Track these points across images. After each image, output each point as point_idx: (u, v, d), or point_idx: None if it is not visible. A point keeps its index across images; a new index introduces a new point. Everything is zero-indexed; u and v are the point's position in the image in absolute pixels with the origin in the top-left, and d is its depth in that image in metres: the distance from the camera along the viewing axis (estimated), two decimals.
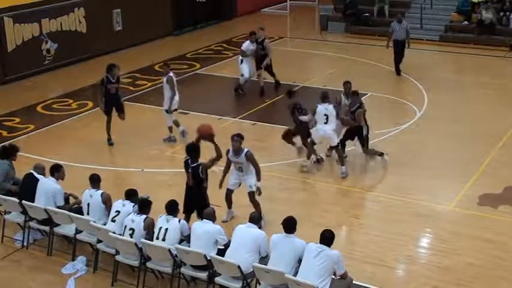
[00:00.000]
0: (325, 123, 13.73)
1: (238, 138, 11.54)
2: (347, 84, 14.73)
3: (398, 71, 20.86)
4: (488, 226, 11.87)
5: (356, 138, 14.06)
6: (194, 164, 10.96)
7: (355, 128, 13.88)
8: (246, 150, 11.49)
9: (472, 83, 20.22)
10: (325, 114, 13.71)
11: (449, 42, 24.25)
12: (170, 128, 15.85)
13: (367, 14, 26.68)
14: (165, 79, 15.60)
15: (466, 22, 25.06)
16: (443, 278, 10.34)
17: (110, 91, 15.32)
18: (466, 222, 12.08)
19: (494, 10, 24.47)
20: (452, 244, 11.27)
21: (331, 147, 14.15)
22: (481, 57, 22.82)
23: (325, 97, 13.87)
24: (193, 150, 11.10)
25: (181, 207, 10.44)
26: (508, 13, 24.60)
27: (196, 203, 10.99)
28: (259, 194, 11.60)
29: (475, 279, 10.29)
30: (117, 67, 15.52)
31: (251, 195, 11.62)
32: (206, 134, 11.53)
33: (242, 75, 19.12)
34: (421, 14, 25.32)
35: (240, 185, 11.82)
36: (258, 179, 11.52)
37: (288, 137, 14.61)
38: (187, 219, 11.01)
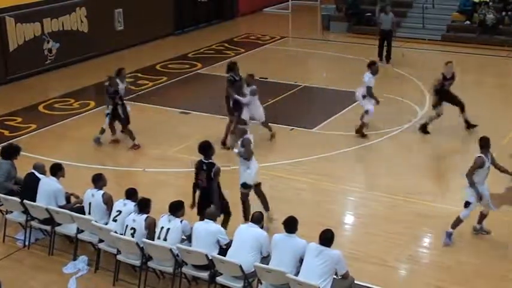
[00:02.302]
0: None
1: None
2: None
3: (381, 57, 21.94)
4: (490, 226, 11.84)
5: None
6: (208, 161, 10.84)
7: None
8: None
9: (474, 82, 20.17)
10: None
11: (451, 42, 24.20)
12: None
13: (369, 14, 26.65)
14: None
15: (468, 22, 25.04)
16: (445, 278, 10.34)
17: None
18: (469, 222, 12.04)
19: (495, 10, 24.44)
20: (454, 244, 11.24)
21: (262, 123, 15.44)
22: (483, 57, 22.79)
23: (250, 80, 15.13)
24: (207, 148, 10.98)
25: (187, 208, 10.41)
26: (510, 13, 24.56)
27: (209, 202, 10.66)
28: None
29: (477, 279, 10.28)
30: (116, 77, 15.37)
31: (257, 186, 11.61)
32: None
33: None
34: (423, 14, 25.29)
35: None
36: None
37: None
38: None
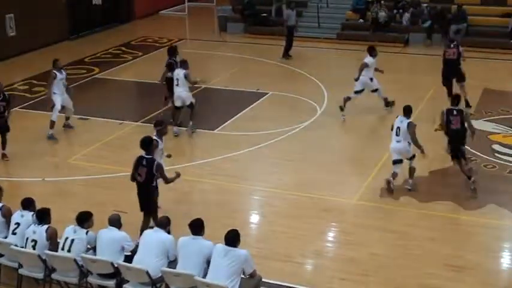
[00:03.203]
0: (177, 85, 15.97)
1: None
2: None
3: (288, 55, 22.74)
4: (391, 217, 12.24)
5: None
6: (149, 156, 10.88)
7: None
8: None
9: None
10: (177, 78, 15.95)
11: (346, 40, 24.81)
12: None
13: (265, 14, 26.93)
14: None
15: (361, 20, 25.76)
16: (350, 270, 10.58)
17: None
18: (370, 215, 12.39)
19: (387, 8, 25.24)
20: (357, 236, 11.54)
21: (188, 106, 16.15)
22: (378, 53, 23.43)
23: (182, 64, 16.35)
24: (149, 143, 11.04)
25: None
26: (401, 11, 25.44)
27: (146, 201, 10.99)
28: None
29: (381, 269, 10.58)
30: None
31: None
32: None
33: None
34: (318, 13, 25.78)
35: None
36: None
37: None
38: (146, 221, 11.06)
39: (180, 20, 30.39)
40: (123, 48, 24.96)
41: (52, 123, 15.95)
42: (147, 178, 10.85)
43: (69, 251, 9.49)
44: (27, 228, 9.81)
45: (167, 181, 11.24)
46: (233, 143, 15.65)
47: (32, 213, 9.98)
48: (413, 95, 18.38)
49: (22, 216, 10.04)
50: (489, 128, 16.20)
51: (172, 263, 9.24)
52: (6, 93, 15.13)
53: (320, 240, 11.66)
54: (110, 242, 9.44)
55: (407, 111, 12.95)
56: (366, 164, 14.40)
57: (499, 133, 15.93)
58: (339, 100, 18.11)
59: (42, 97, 19.19)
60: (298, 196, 13.10)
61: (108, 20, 28.54)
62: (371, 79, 16.95)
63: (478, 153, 14.73)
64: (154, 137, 11.67)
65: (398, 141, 12.88)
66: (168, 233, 9.51)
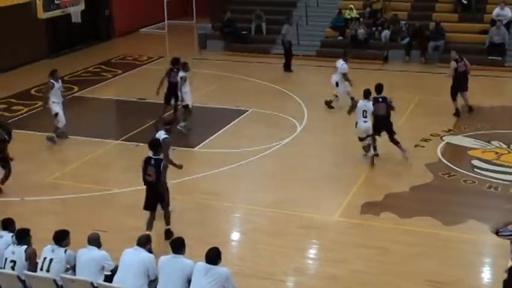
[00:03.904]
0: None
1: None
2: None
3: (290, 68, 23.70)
4: (372, 233, 12.26)
5: None
6: (157, 157, 11.64)
7: None
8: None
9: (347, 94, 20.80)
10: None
11: (326, 57, 24.84)
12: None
13: (245, 32, 27.02)
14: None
15: (340, 37, 25.93)
16: (331, 287, 10.55)
17: None
18: (351, 231, 12.41)
19: (366, 26, 25.44)
20: (338, 253, 11.54)
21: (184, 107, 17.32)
22: (357, 70, 23.53)
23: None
24: (157, 145, 11.84)
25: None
26: (380, 28, 25.66)
27: (157, 198, 11.73)
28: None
29: (362, 286, 10.58)
30: None
31: None
32: None
33: None
34: (297, 31, 25.91)
35: None
36: None
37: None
38: (153, 217, 11.81)
39: (160, 37, 30.40)
40: (103, 67, 24.91)
41: (56, 129, 16.85)
42: (157, 177, 11.57)
43: (48, 270, 9.38)
44: (5, 249, 9.69)
45: (163, 186, 11.87)
46: (213, 161, 15.63)
47: (12, 234, 9.87)
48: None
49: (1, 237, 9.91)
50: (468, 144, 16.33)
51: (153, 283, 9.18)
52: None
53: (301, 258, 11.65)
54: (89, 261, 9.35)
55: (367, 94, 15.01)
56: (346, 180, 14.44)
57: (478, 148, 16.06)
58: (318, 117, 18.24)
59: (21, 116, 19.13)
60: (279, 213, 13.08)
61: (88, 38, 28.48)
62: (337, 83, 18.57)
63: (458, 169, 14.84)
64: (164, 135, 12.63)
65: (365, 122, 14.96)
66: (149, 251, 9.44)
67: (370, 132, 15.08)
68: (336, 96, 18.94)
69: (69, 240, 9.65)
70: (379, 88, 15.17)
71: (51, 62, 25.50)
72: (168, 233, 11.93)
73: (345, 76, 18.61)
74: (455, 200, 13.50)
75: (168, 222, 12.04)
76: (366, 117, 14.92)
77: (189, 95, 17.29)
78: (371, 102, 14.93)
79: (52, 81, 16.83)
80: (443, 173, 14.69)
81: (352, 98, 17.82)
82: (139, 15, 30.78)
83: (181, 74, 17.18)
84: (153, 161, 11.62)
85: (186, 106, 17.34)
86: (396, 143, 15.07)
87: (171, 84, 17.76)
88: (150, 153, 11.71)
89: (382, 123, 15.02)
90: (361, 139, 15.28)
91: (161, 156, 11.80)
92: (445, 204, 13.14)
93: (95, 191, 14.02)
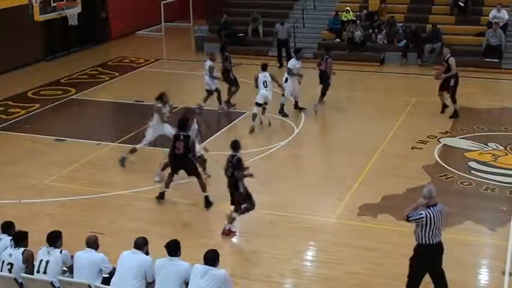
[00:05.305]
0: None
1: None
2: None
3: (281, 64, 24.11)
4: (369, 235, 12.26)
5: None
6: (186, 133, 13.21)
7: None
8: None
9: (346, 98, 20.84)
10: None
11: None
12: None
13: (241, 34, 27.04)
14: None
15: (337, 39, 25.97)
16: None
17: None
18: (348, 233, 12.41)
19: (363, 28, 25.48)
20: (336, 255, 11.54)
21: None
22: (354, 72, 23.62)
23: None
24: (186, 123, 13.33)
25: None
26: (376, 30, 25.69)
27: (183, 165, 13.31)
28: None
29: None
30: None
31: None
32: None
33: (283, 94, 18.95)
34: (294, 33, 25.93)
35: None
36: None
37: None
38: (171, 179, 13.43)
39: (156, 40, 30.40)
40: (100, 69, 24.89)
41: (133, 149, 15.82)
42: (184, 151, 13.13)
43: (45, 272, 9.38)
44: (3, 252, 9.68)
45: (195, 157, 13.43)
46: (210, 163, 15.59)
47: (11, 237, 9.85)
48: (390, 113, 18.56)
49: (0, 239, 9.92)
50: (465, 146, 16.36)
51: (151, 285, 9.17)
52: None
53: (299, 260, 11.64)
54: (87, 263, 9.34)
55: (265, 67, 17.79)
56: (343, 182, 14.44)
57: (475, 150, 16.08)
58: (316, 119, 18.24)
59: (18, 118, 19.11)
60: (276, 215, 13.08)
61: (85, 41, 28.46)
62: (286, 79, 18.71)
63: (455, 171, 14.86)
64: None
65: (266, 90, 17.46)
66: (146, 254, 9.44)
67: (269, 100, 17.45)
68: (283, 95, 18.83)
69: (62, 241, 9.65)
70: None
71: (48, 65, 25.57)
72: (207, 200, 13.35)
73: (288, 71, 18.71)
74: (452, 201, 13.43)
75: (204, 190, 13.33)
76: (266, 86, 17.37)
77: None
78: (268, 73, 17.62)
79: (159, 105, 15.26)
80: (440, 175, 14.71)
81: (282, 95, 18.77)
82: (136, 17, 30.79)
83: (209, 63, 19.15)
84: (182, 137, 13.14)
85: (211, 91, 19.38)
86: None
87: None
88: (180, 131, 13.18)
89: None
90: (258, 104, 17.34)
91: (189, 133, 13.27)
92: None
93: (92, 193, 14.00)
